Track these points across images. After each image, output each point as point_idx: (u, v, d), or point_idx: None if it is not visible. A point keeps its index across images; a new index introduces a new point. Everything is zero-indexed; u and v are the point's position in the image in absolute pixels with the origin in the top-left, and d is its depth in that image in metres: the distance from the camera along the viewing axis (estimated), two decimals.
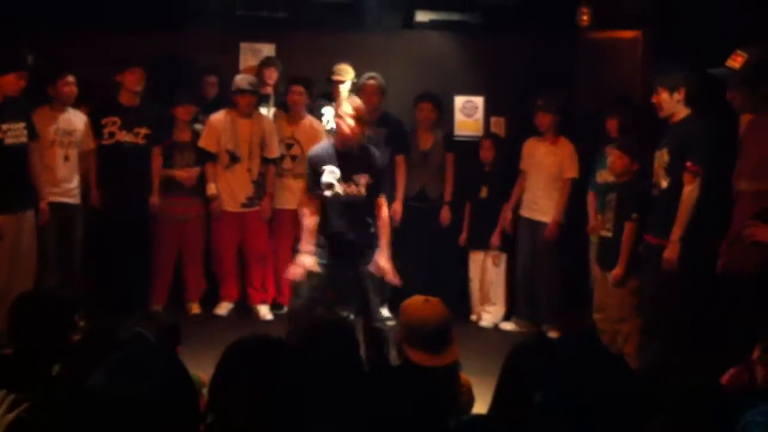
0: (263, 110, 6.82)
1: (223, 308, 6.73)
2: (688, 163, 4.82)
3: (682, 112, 4.96)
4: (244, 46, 7.27)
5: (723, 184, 4.49)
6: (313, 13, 7.14)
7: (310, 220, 4.94)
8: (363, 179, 4.89)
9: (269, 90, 6.97)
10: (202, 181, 6.58)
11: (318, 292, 4.96)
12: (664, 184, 4.96)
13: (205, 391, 2.32)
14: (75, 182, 6.14)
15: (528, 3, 6.92)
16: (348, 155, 4.90)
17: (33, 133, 5.66)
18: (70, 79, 6.01)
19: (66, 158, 6.06)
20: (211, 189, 6.54)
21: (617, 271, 5.28)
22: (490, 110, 7.21)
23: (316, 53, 6.98)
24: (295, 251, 5.16)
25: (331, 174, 4.87)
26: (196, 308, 6.71)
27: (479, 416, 2.90)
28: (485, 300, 6.77)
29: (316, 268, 4.88)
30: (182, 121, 6.55)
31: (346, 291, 5.17)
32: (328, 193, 4.89)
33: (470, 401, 3.46)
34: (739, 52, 4.23)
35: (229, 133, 6.48)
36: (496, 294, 6.74)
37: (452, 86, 7.17)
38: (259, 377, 2.12)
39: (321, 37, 7.11)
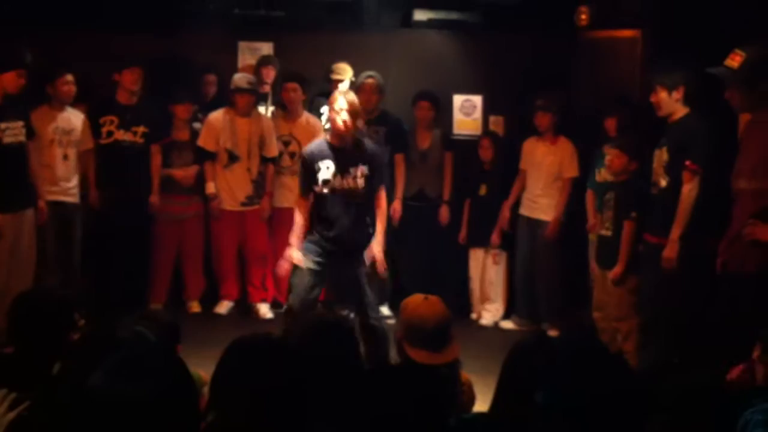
0: (261, 109, 6.81)
1: (223, 307, 6.73)
2: (688, 162, 4.83)
3: (680, 111, 4.96)
4: (242, 45, 7.26)
5: (722, 183, 4.49)
6: (312, 12, 7.14)
7: (299, 217, 5.05)
8: (360, 171, 4.89)
9: (267, 89, 6.96)
10: (200, 180, 6.58)
11: (313, 291, 4.96)
12: (663, 183, 4.96)
13: (205, 389, 2.33)
14: (74, 181, 6.14)
15: (527, 2, 6.92)
16: (343, 150, 4.91)
17: (31, 132, 5.66)
18: (69, 78, 6.01)
19: (65, 157, 6.06)
20: (210, 188, 6.54)
21: (617, 270, 5.29)
22: (488, 109, 7.21)
23: (315, 52, 6.98)
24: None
25: (326, 170, 4.87)
26: (195, 307, 6.71)
27: (480, 415, 2.90)
28: (485, 298, 6.78)
29: (302, 263, 4.92)
30: (181, 119, 6.55)
31: (344, 289, 5.17)
32: (325, 189, 4.89)
33: (471, 400, 3.47)
34: (737, 51, 4.24)
35: (228, 133, 6.48)
36: (496, 292, 6.75)
37: (451, 85, 7.17)
38: (260, 376, 2.12)
39: (319, 36, 7.11)
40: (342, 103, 4.86)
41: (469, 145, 6.91)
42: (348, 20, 7.18)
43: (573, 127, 6.52)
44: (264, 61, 7.02)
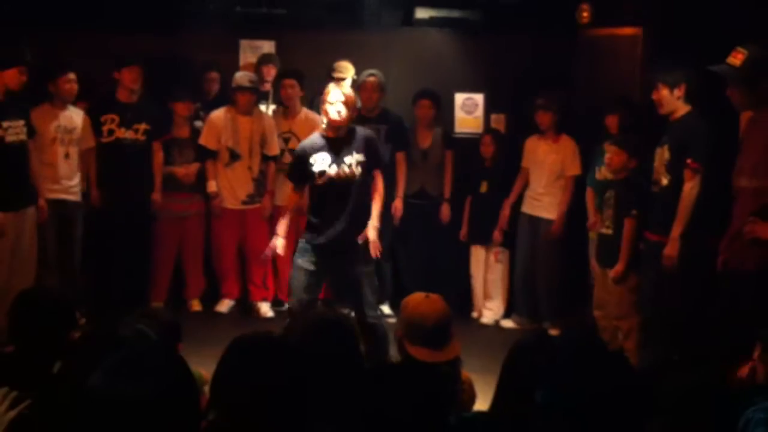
0: (262, 107, 6.81)
1: (224, 305, 6.74)
2: (689, 161, 4.82)
3: (682, 109, 4.96)
4: (243, 44, 7.26)
5: (723, 181, 4.49)
6: (313, 10, 7.13)
7: (288, 210, 5.17)
8: (355, 159, 4.90)
9: (268, 87, 6.96)
10: (201, 178, 6.59)
11: (312, 292, 4.96)
12: (665, 181, 4.96)
13: (206, 388, 2.33)
14: (76, 180, 6.14)
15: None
16: (336, 140, 4.92)
17: (31, 131, 5.67)
18: (72, 76, 6.01)
19: (66, 155, 6.06)
20: (212, 186, 6.55)
21: (618, 268, 5.28)
22: (490, 107, 7.21)
23: (316, 50, 6.97)
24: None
25: (322, 161, 4.89)
26: (196, 305, 6.71)
27: (480, 413, 2.91)
28: (487, 296, 6.78)
29: (282, 252, 5.10)
30: (181, 117, 6.55)
31: (342, 288, 5.17)
32: (321, 180, 4.90)
33: (471, 398, 3.47)
34: (739, 49, 4.24)
35: (229, 131, 6.48)
36: (497, 291, 6.75)
37: (452, 83, 7.17)
38: (261, 374, 2.12)
39: (321, 34, 7.10)
40: (337, 94, 4.87)
41: (470, 143, 6.91)
42: (349, 18, 7.17)
43: (573, 124, 6.52)
44: (265, 59, 7.03)
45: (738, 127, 4.67)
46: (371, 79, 6.56)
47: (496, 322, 6.69)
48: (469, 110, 7.25)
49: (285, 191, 6.64)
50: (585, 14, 6.74)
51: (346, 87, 5.05)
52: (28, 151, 5.65)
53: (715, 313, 4.41)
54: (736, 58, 4.23)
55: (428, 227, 6.76)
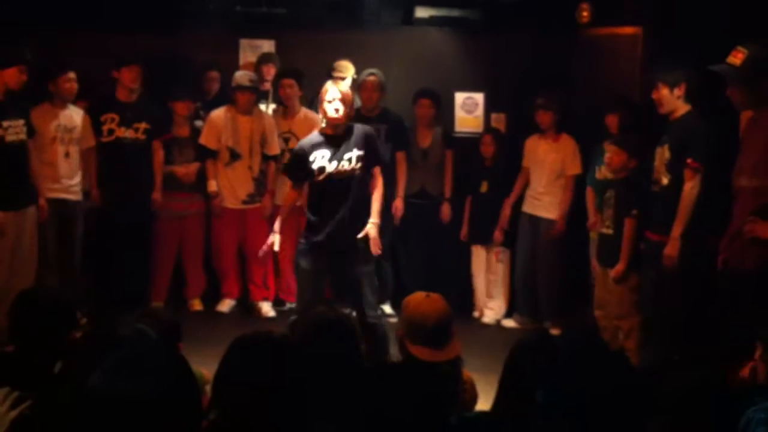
0: (262, 107, 6.81)
1: (225, 305, 6.74)
2: (689, 160, 4.82)
3: (682, 108, 4.96)
4: (243, 43, 7.26)
5: (723, 181, 4.49)
6: (313, 9, 7.13)
7: (286, 207, 5.16)
8: (354, 155, 4.91)
9: (268, 86, 6.96)
10: (202, 177, 6.58)
11: (320, 292, 4.96)
12: (665, 180, 4.96)
13: (207, 387, 2.33)
14: (76, 179, 6.14)
15: None
16: (335, 137, 4.93)
17: (31, 130, 5.67)
18: (72, 75, 6.01)
19: (67, 155, 6.06)
20: (212, 186, 6.54)
21: (618, 268, 5.28)
22: (490, 107, 7.20)
23: (316, 49, 6.97)
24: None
25: (322, 158, 4.89)
26: (197, 305, 6.71)
27: (482, 413, 2.91)
28: (489, 296, 6.78)
29: (278, 248, 5.09)
30: (181, 116, 6.55)
31: (342, 287, 5.17)
32: (322, 176, 4.90)
33: (473, 398, 3.47)
34: (740, 48, 4.24)
35: (229, 130, 6.48)
36: (498, 290, 6.75)
37: (452, 83, 7.16)
38: (262, 374, 2.12)
39: (321, 33, 7.10)
40: (334, 92, 4.88)
41: (470, 142, 6.91)
42: (349, 18, 7.16)
43: (574, 124, 6.52)
44: (264, 58, 7.03)
45: (738, 127, 4.67)
46: (371, 78, 6.55)
47: (498, 322, 6.69)
48: (469, 110, 7.25)
49: (285, 191, 6.64)
50: (585, 14, 6.74)
51: (343, 85, 5.05)
52: (28, 151, 5.65)
53: (716, 312, 4.41)
54: (736, 58, 4.23)
55: (429, 227, 6.75)
